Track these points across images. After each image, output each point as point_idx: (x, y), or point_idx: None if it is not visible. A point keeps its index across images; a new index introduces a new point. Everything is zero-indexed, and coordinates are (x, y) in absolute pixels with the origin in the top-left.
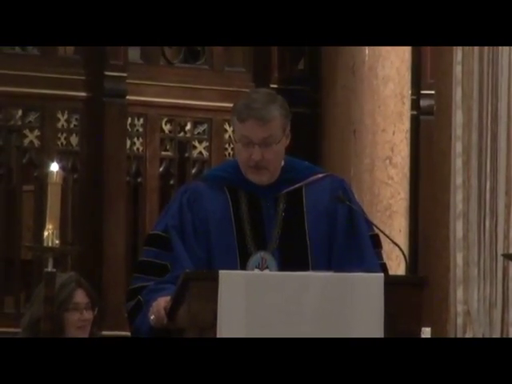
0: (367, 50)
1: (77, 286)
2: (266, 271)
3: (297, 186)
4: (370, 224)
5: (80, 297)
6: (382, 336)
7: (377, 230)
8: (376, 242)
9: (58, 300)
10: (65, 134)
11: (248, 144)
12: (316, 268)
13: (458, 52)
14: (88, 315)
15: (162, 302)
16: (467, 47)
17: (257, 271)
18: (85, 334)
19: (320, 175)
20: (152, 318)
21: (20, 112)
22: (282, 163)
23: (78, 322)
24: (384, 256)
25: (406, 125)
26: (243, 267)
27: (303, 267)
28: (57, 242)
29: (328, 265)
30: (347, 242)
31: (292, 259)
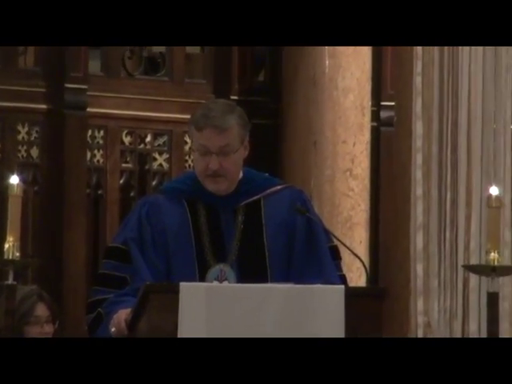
0: (327, 61)
1: (38, 300)
2: (225, 283)
3: (255, 197)
4: (329, 235)
5: (41, 310)
6: None
7: (337, 242)
8: (335, 254)
9: (19, 313)
10: (25, 147)
11: (206, 153)
12: (275, 280)
13: (418, 63)
14: (48, 328)
15: (122, 314)
16: (427, 58)
17: (216, 283)
18: None
19: (279, 187)
20: (113, 330)
21: None
22: (241, 175)
23: (39, 336)
24: (345, 268)
25: (367, 136)
26: (202, 279)
27: (262, 279)
28: (17, 254)
29: (287, 277)
30: (306, 254)
31: (251, 271)
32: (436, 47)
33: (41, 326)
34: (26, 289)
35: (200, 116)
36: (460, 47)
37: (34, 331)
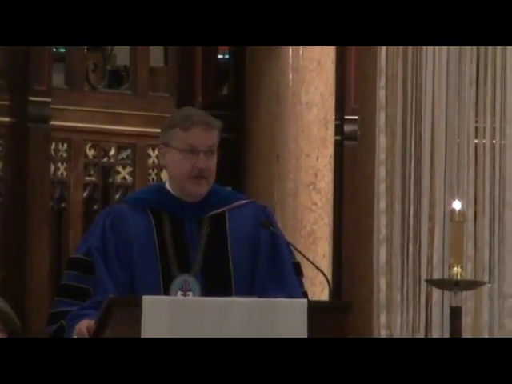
0: (291, 75)
1: None
2: (190, 294)
3: (221, 209)
4: (291, 251)
5: None
6: None
7: (300, 257)
8: (298, 270)
9: None
10: None
11: (193, 152)
12: (239, 292)
13: (382, 76)
14: None
15: (85, 324)
16: (390, 72)
17: (180, 294)
18: None
19: (243, 201)
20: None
21: None
22: None
23: None
24: (308, 282)
25: (330, 150)
26: (166, 290)
27: (226, 291)
28: None
29: (251, 288)
30: (270, 269)
31: (215, 283)
32: (400, 61)
33: None
34: None
35: (183, 117)
36: (424, 62)
37: None
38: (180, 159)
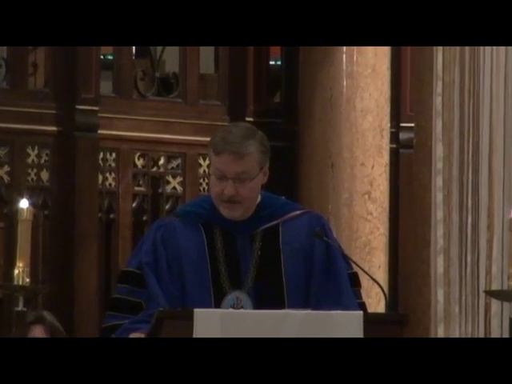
0: (345, 81)
1: (36, 321)
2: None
3: (273, 223)
4: (348, 262)
5: (38, 332)
6: None
7: (355, 267)
8: (354, 281)
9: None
10: (35, 170)
11: (222, 178)
12: (292, 307)
13: (438, 82)
14: None
15: (136, 335)
16: (447, 78)
17: (231, 311)
18: None
19: (298, 212)
20: None
21: None
22: (259, 199)
23: None
24: (363, 293)
25: (386, 158)
26: (217, 306)
27: (279, 307)
28: (27, 280)
29: (305, 304)
30: (325, 281)
31: (268, 299)
32: (457, 66)
33: None
34: (34, 313)
35: (219, 139)
36: (482, 68)
37: None
38: (213, 180)
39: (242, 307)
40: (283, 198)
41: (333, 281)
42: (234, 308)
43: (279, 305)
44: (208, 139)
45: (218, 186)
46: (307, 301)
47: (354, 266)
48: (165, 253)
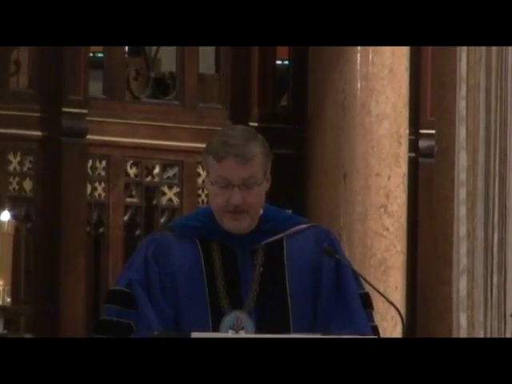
0: (359, 83)
1: None
2: (242, 333)
3: (277, 237)
4: (359, 281)
5: None
6: None
7: (369, 288)
8: (367, 302)
9: None
10: (17, 178)
11: (226, 186)
12: (298, 330)
13: (462, 86)
14: None
15: None
16: (472, 81)
17: (231, 333)
18: None
19: (303, 226)
20: None
21: None
22: (261, 212)
23: None
24: (378, 316)
25: (403, 168)
26: (216, 328)
27: (283, 329)
28: (8, 299)
29: (312, 327)
30: (334, 301)
31: (271, 319)
32: (482, 69)
33: None
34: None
35: (219, 144)
36: (509, 70)
37: None
38: (215, 191)
39: (242, 328)
40: (289, 211)
41: (343, 301)
42: (233, 329)
43: (283, 327)
44: None
45: (221, 196)
46: (314, 323)
47: (366, 286)
48: (157, 270)
